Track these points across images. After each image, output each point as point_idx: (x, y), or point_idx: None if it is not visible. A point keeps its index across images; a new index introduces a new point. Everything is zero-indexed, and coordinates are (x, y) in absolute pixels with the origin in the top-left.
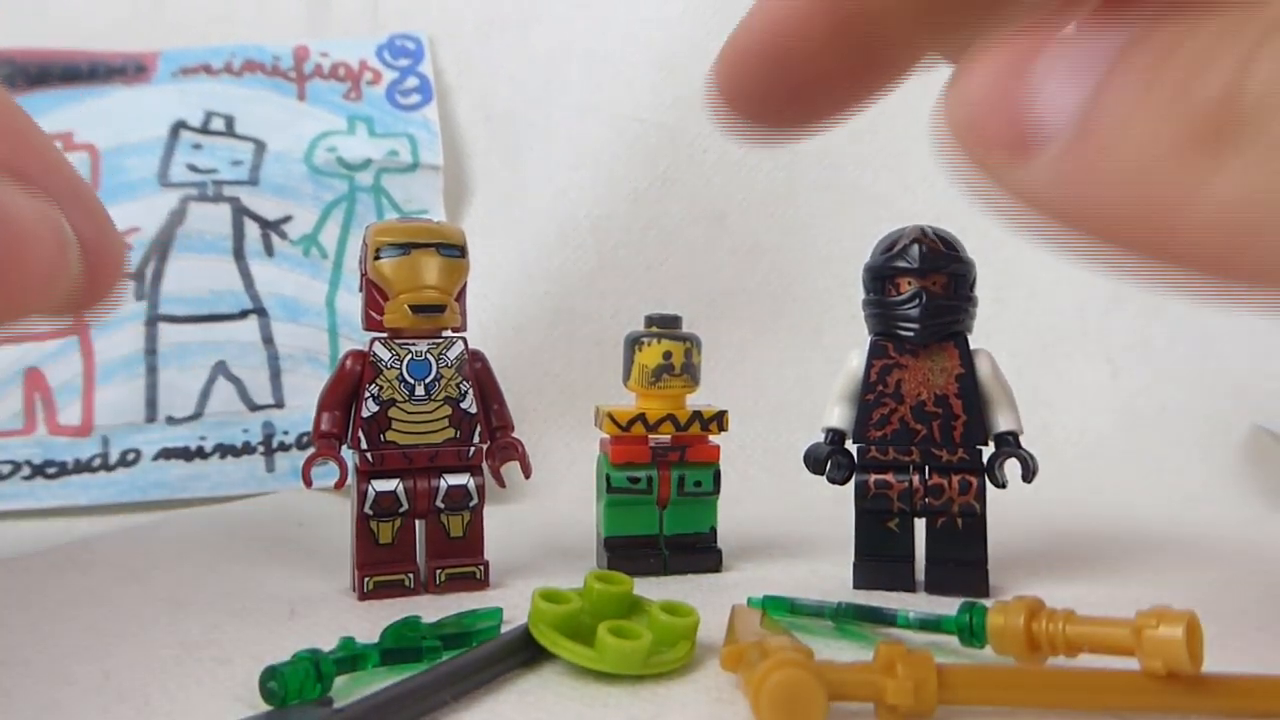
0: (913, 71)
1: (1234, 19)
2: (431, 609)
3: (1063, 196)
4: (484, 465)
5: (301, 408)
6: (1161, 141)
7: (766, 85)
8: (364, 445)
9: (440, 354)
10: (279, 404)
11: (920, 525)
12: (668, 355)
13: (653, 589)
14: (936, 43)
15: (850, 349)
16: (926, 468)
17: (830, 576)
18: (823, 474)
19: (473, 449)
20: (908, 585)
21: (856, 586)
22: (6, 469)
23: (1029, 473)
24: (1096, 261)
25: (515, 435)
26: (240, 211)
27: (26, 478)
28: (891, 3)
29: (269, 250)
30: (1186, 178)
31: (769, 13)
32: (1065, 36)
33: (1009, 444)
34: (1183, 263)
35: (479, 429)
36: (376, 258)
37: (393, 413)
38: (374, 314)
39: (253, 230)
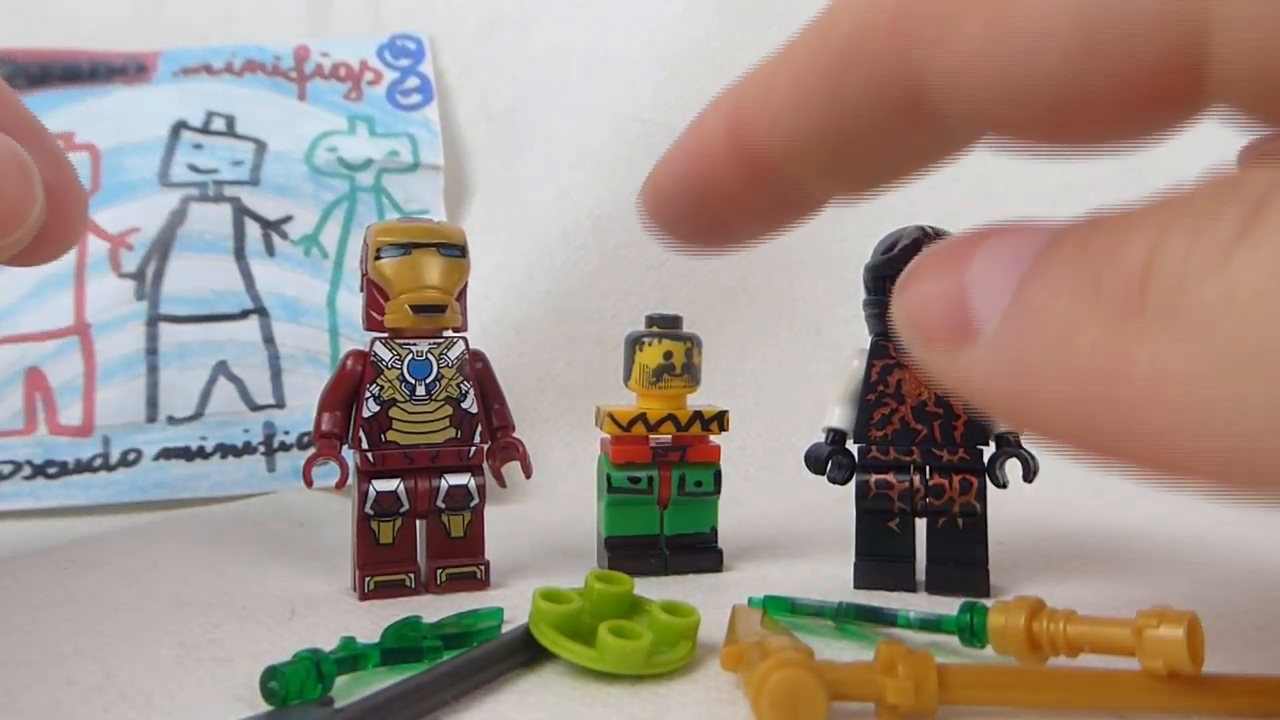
0: (827, 206)
1: (1140, 212)
2: (432, 609)
3: (995, 385)
4: (485, 465)
5: (302, 408)
6: (1083, 326)
7: (688, 216)
8: (365, 445)
9: (441, 354)
10: (280, 404)
11: (921, 525)
12: (668, 355)
13: (653, 589)
14: (840, 188)
15: (851, 349)
16: (927, 468)
17: (831, 576)
18: (823, 474)
19: (473, 449)
20: (908, 585)
21: (857, 586)
22: (7, 469)
23: (1030, 473)
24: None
25: (516, 435)
26: (241, 211)
27: (27, 477)
28: (793, 156)
29: (270, 250)
30: (1108, 360)
31: (686, 154)
32: (996, 239)
33: (1010, 444)
34: (1116, 452)
35: (480, 429)
36: (377, 258)
37: (393, 413)
38: (375, 314)
39: (253, 230)
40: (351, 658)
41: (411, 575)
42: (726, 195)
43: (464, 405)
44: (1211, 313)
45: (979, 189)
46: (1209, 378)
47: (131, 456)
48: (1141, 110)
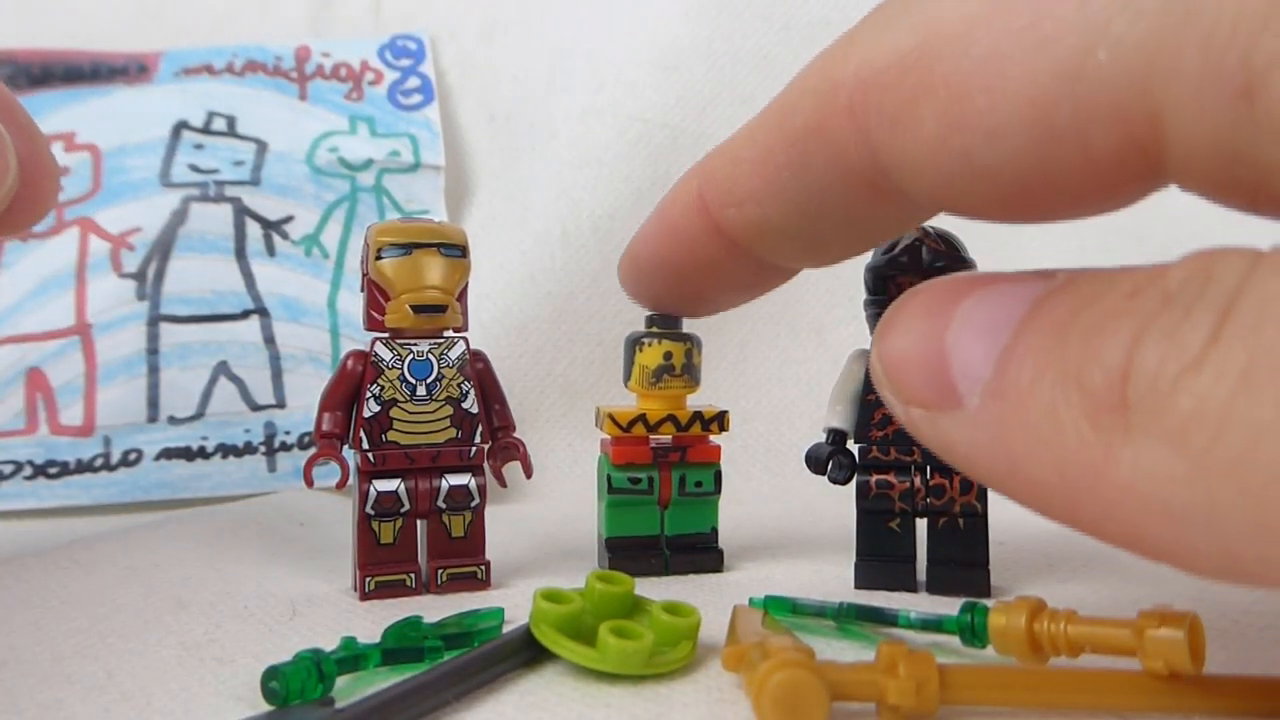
0: (795, 274)
1: (1114, 304)
2: (433, 609)
3: (978, 455)
4: (485, 465)
5: (303, 408)
6: (1064, 416)
7: (664, 287)
8: (365, 445)
9: (442, 354)
10: (280, 404)
11: (922, 525)
12: (668, 356)
13: (654, 589)
14: (809, 260)
15: (852, 349)
16: (928, 468)
17: (832, 576)
18: (824, 474)
19: (474, 449)
20: (909, 585)
21: (858, 586)
22: (8, 469)
23: None
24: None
25: (517, 435)
26: (242, 212)
27: (28, 478)
28: (762, 233)
29: (270, 250)
30: (1090, 455)
31: (659, 230)
32: (974, 296)
33: None
34: (1100, 534)
35: (480, 429)
36: (378, 258)
37: (394, 413)
38: (375, 314)
39: (254, 230)
40: (352, 658)
41: (412, 575)
42: (700, 268)
43: (465, 405)
44: (1187, 421)
45: None
46: (1188, 483)
47: (132, 456)
48: (1101, 192)
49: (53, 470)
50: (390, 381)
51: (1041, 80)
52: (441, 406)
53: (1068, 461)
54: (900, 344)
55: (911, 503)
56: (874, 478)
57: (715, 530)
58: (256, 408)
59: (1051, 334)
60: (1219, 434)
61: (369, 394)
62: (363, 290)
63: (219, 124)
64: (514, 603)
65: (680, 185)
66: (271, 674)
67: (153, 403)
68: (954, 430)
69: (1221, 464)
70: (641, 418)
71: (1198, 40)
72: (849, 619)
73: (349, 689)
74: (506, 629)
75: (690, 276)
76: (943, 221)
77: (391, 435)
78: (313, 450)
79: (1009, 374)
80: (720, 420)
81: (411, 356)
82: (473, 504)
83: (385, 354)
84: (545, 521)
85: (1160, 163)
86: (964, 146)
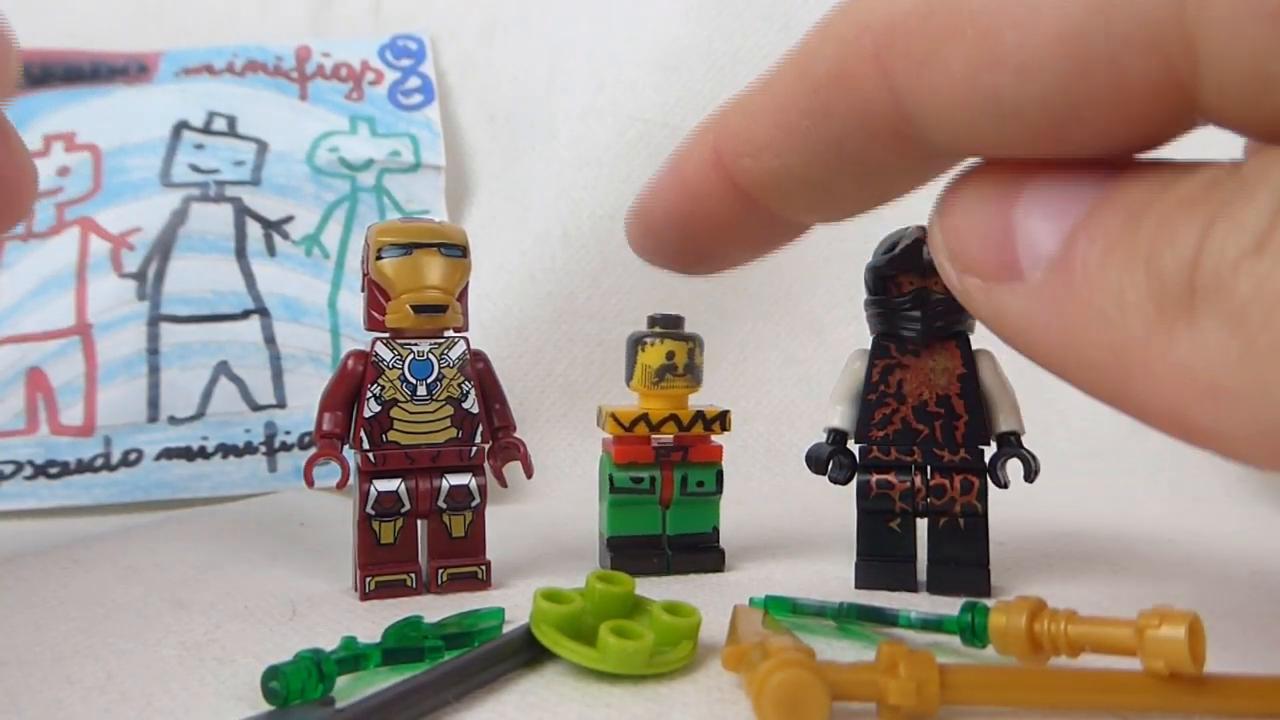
0: (807, 229)
1: (1191, 192)
2: (433, 609)
3: (1033, 329)
4: (486, 465)
5: (303, 408)
6: (1129, 298)
7: (674, 244)
8: (366, 445)
9: (442, 354)
10: (281, 404)
11: (922, 525)
12: (670, 355)
13: (655, 589)
14: (825, 214)
15: (852, 349)
16: (928, 468)
17: (832, 576)
18: (824, 474)
19: (475, 449)
20: (910, 585)
21: (858, 586)
22: (9, 469)
23: (1031, 473)
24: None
25: (517, 435)
26: (242, 211)
27: (29, 478)
28: (778, 186)
29: (271, 250)
30: (1150, 336)
31: (671, 183)
32: (1044, 178)
33: (1011, 444)
34: (1143, 414)
35: (481, 429)
36: (378, 258)
37: (395, 413)
38: (376, 314)
39: (255, 230)
40: (353, 658)
41: (413, 575)
42: (712, 223)
43: (465, 405)
44: (1245, 304)
45: None
46: (1239, 364)
47: (133, 456)
48: (1132, 129)
49: (53, 470)
50: (391, 381)
51: (1074, 12)
52: (442, 406)
53: (1127, 342)
54: (964, 214)
55: (912, 503)
56: (874, 477)
57: (716, 530)
58: (257, 408)
59: (1125, 216)
60: (1272, 316)
61: (369, 394)
62: (363, 290)
63: (219, 124)
64: (514, 603)
65: (694, 137)
66: (272, 674)
67: (153, 403)
68: (1011, 302)
69: (1273, 346)
70: (644, 417)
71: None
72: (849, 619)
73: (349, 689)
74: (507, 629)
75: (701, 232)
76: None
77: (392, 435)
78: (313, 450)
79: (1077, 251)
80: (722, 420)
81: (412, 356)
82: (473, 504)
83: (386, 354)
84: (546, 521)
85: (1195, 94)
86: (993, 85)
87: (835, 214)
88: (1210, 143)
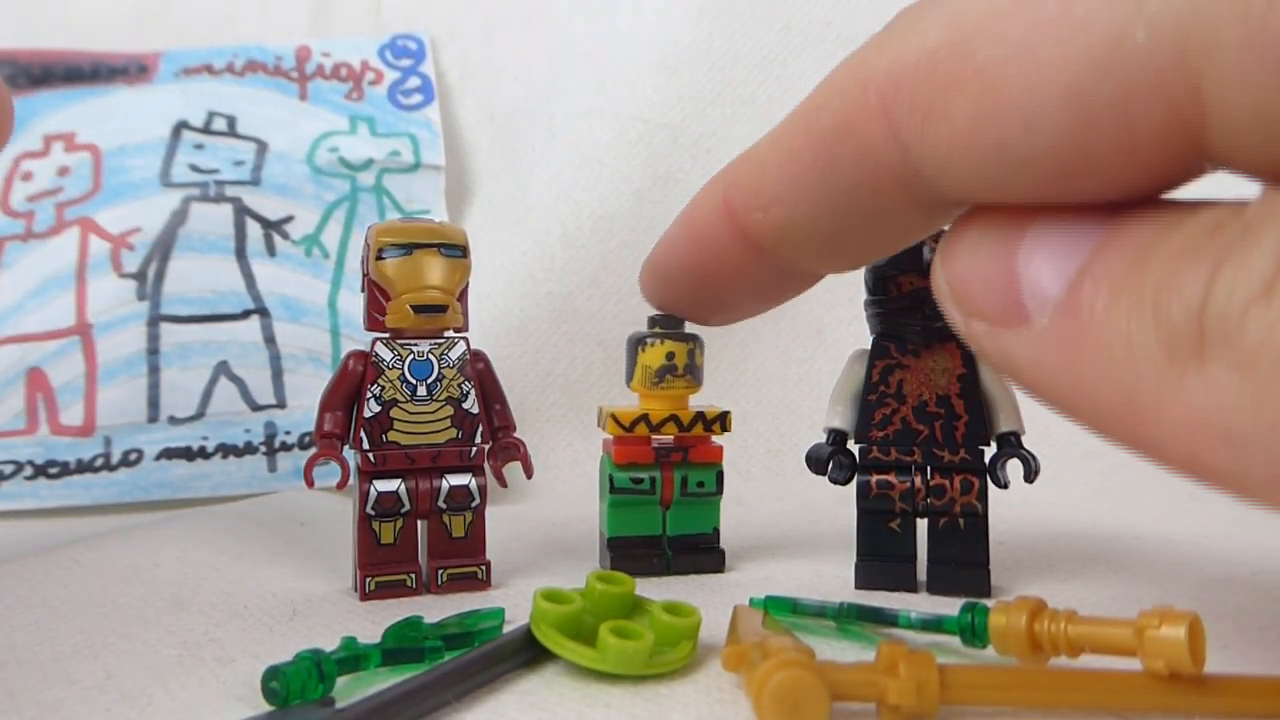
0: (819, 279)
1: (1196, 236)
2: (433, 609)
3: (1042, 372)
4: (486, 465)
5: (303, 408)
6: (1137, 341)
7: (687, 294)
8: (366, 445)
9: (442, 354)
10: (281, 404)
11: (922, 525)
12: (671, 356)
13: (655, 589)
14: (836, 264)
15: (852, 349)
16: (928, 468)
17: (832, 577)
18: (824, 474)
19: (475, 449)
20: (910, 585)
21: (858, 587)
22: (9, 469)
23: (1031, 473)
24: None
25: (517, 435)
26: (242, 211)
27: (29, 478)
28: (789, 237)
29: (271, 250)
30: (1161, 380)
31: (683, 236)
32: (1046, 219)
33: (1011, 444)
34: (1157, 457)
35: (481, 429)
36: (379, 258)
37: (395, 413)
38: (376, 314)
39: (255, 230)
40: (353, 658)
41: (413, 575)
42: (725, 274)
43: (465, 405)
44: (1254, 349)
45: None
46: (1251, 410)
47: (133, 456)
48: (1141, 176)
49: (53, 470)
50: (391, 381)
51: (1078, 64)
52: (442, 407)
53: (1137, 386)
54: (967, 259)
55: (912, 503)
56: (874, 478)
57: (717, 530)
58: (257, 408)
59: (1130, 260)
60: None
61: (369, 394)
62: (363, 290)
63: (219, 124)
64: (514, 603)
65: (705, 190)
66: (272, 674)
67: (153, 403)
68: (1018, 347)
69: None
70: (644, 417)
71: (1237, 13)
72: (849, 619)
73: (349, 689)
74: (507, 629)
75: (714, 282)
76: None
77: (392, 435)
78: (313, 450)
79: (1083, 295)
80: (722, 421)
81: (412, 357)
82: (473, 504)
83: (386, 354)
84: (546, 521)
85: (1202, 140)
86: (1000, 136)
87: (845, 264)
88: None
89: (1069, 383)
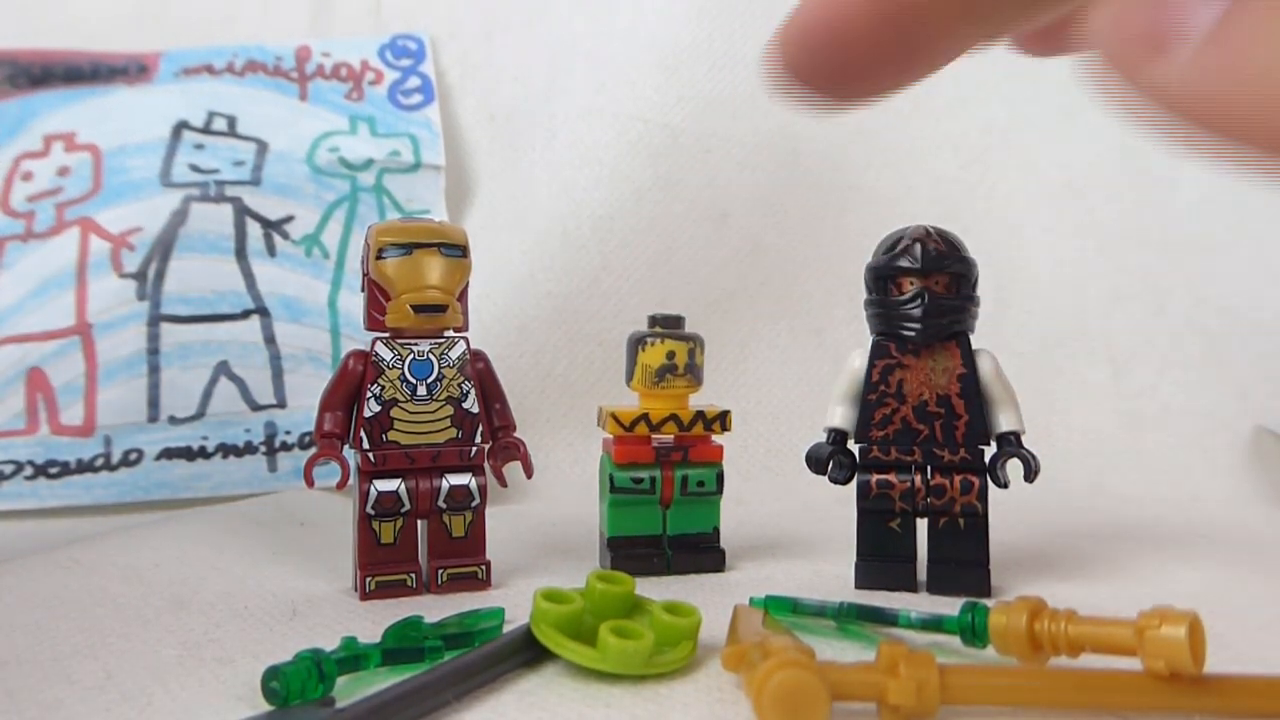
0: (959, 56)
1: None
2: (433, 609)
3: (1196, 94)
4: (486, 465)
5: (303, 407)
6: None
7: (818, 66)
8: (366, 445)
9: (442, 354)
10: (281, 404)
11: (922, 525)
12: (671, 355)
13: (655, 589)
14: (980, 33)
15: (853, 349)
16: (929, 468)
17: (832, 576)
18: (825, 474)
19: (475, 449)
20: (910, 585)
21: (858, 586)
22: (9, 469)
23: (1031, 473)
24: (1224, 161)
25: (517, 435)
26: (242, 211)
27: (29, 478)
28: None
29: (271, 250)
30: None
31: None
32: None
33: (1011, 444)
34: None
35: (481, 429)
36: (379, 257)
37: (395, 412)
38: (376, 314)
39: (255, 230)
40: (353, 658)
41: (413, 575)
42: (859, 45)
43: (465, 405)
44: None
45: (980, 189)
46: None
47: (133, 456)
48: None
49: (53, 470)
50: (391, 381)
51: None
52: (442, 406)
53: None
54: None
55: (912, 502)
56: (874, 477)
57: (717, 530)
58: (257, 407)
59: None
60: None
61: (369, 394)
62: (363, 290)
63: (219, 124)
64: (514, 603)
65: None
66: (272, 674)
67: (153, 402)
68: (1171, 74)
69: None
70: (644, 417)
71: None
72: (849, 619)
73: (349, 689)
74: (507, 629)
75: (847, 50)
76: (943, 222)
77: (392, 435)
78: (313, 450)
79: (1238, 15)
80: (722, 420)
81: (412, 356)
82: (473, 504)
83: (386, 354)
84: (546, 521)
85: None
86: None
87: (982, 32)
88: None
89: (1222, 99)
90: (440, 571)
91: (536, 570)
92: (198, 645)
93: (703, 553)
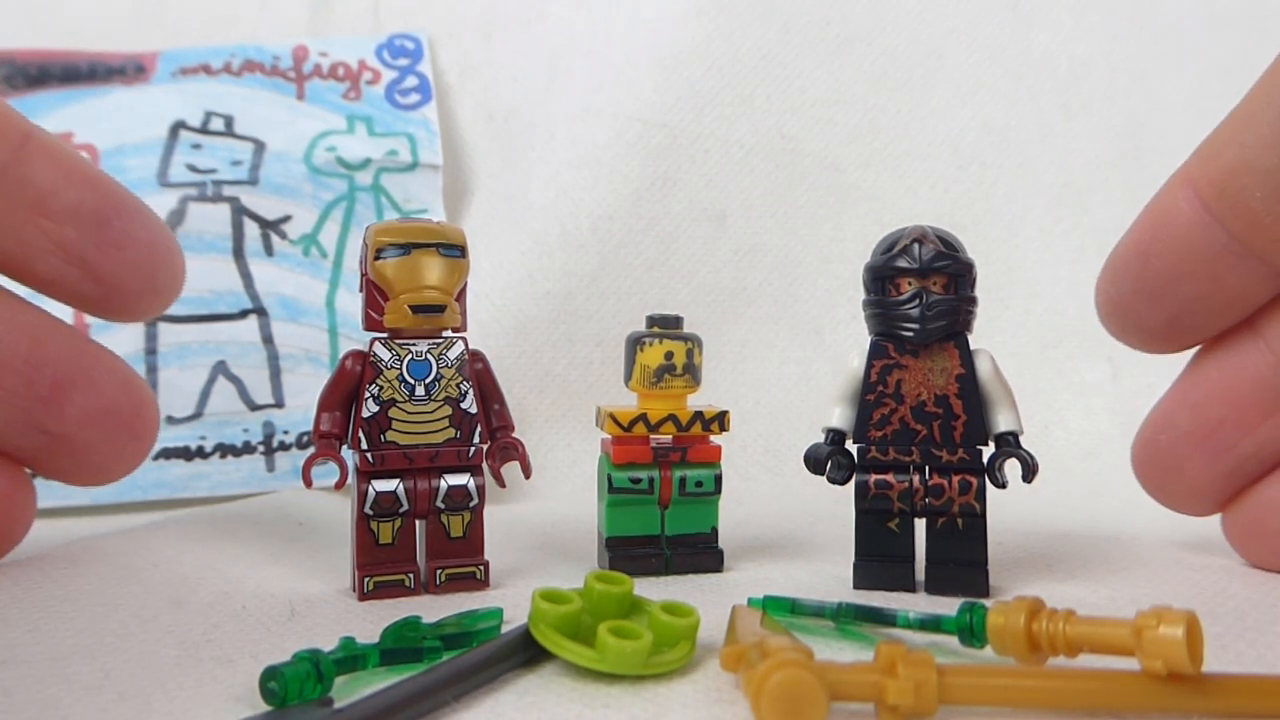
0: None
1: None
2: (432, 609)
3: None
4: (484, 465)
5: (301, 407)
6: None
7: (1155, 303)
8: (364, 445)
9: (440, 354)
10: (279, 404)
11: (921, 525)
12: (669, 355)
13: (653, 589)
14: None
15: (851, 349)
16: (927, 468)
17: (831, 577)
18: (823, 474)
19: (473, 449)
20: (908, 585)
21: (857, 587)
22: None
23: (1029, 473)
24: None
25: (516, 435)
26: (240, 211)
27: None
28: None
29: (269, 250)
30: None
31: (1148, 231)
32: None
33: (1009, 444)
34: None
35: (479, 429)
36: (377, 258)
37: (393, 413)
38: (374, 314)
39: (252, 230)
40: (351, 658)
41: (411, 575)
42: (1197, 272)
43: (463, 405)
44: None
45: (978, 189)
46: None
47: None
48: None
49: None
50: (389, 381)
51: None
52: (440, 406)
53: None
54: None
55: (910, 503)
56: (873, 478)
57: (715, 530)
58: (255, 407)
59: None
60: None
61: (368, 394)
62: (361, 290)
63: (217, 124)
64: (513, 603)
65: (1166, 188)
66: (270, 674)
67: None
68: None
69: None
70: (642, 417)
71: None
72: (848, 619)
73: (347, 689)
74: (505, 629)
75: (1181, 284)
76: (942, 222)
77: (390, 435)
78: (311, 450)
79: None
80: (721, 420)
81: (410, 356)
82: (471, 504)
83: (384, 354)
84: (544, 522)
85: None
86: None
87: None
88: None
89: None
90: (438, 572)
91: (535, 570)
92: (196, 645)
93: (701, 553)
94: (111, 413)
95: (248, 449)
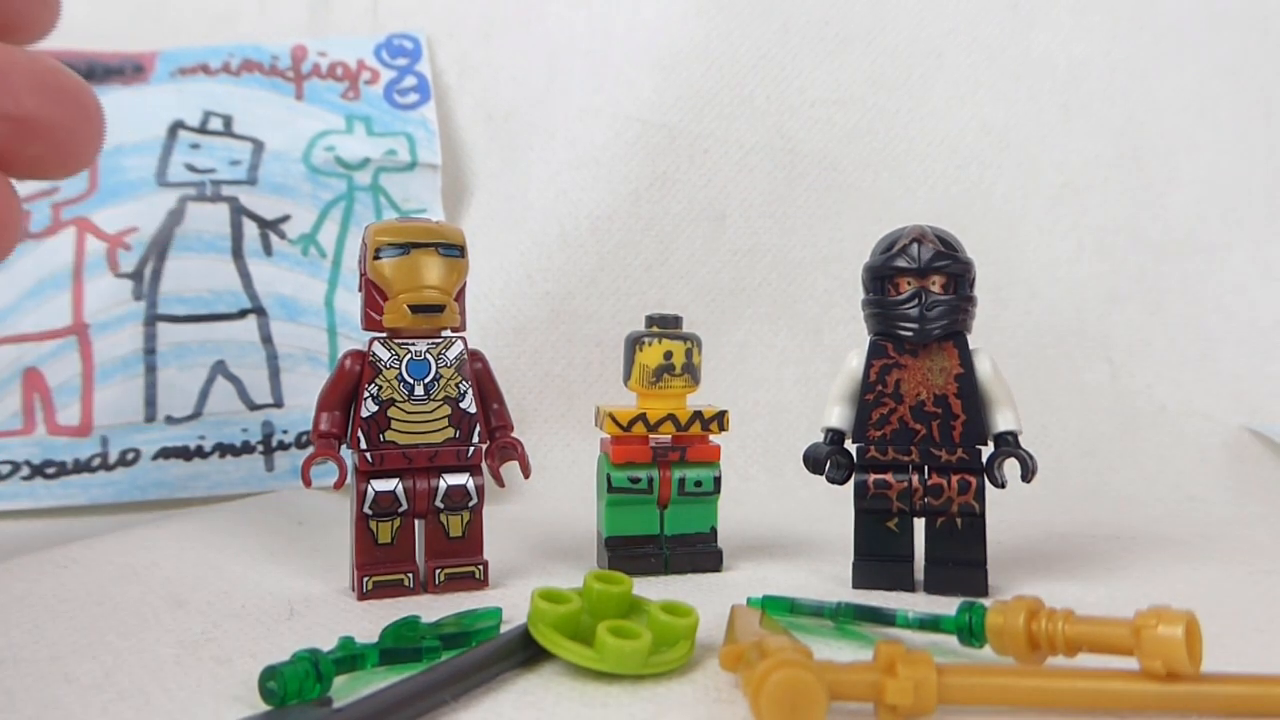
0: None
1: None
2: (431, 609)
3: None
4: (483, 465)
5: (301, 407)
6: None
7: None
8: (363, 445)
9: (439, 354)
10: (278, 403)
11: (920, 525)
12: (668, 355)
13: (653, 589)
14: None
15: (850, 349)
16: (926, 468)
17: (830, 576)
18: (822, 474)
19: (472, 449)
20: (907, 585)
21: (856, 586)
22: (6, 469)
23: (1028, 473)
24: None
25: (515, 435)
26: (238, 211)
27: (26, 478)
28: None
29: (267, 250)
30: None
31: None
32: None
33: (1008, 444)
34: None
35: (478, 429)
36: (376, 257)
37: (392, 412)
38: (373, 314)
39: (251, 230)
40: (350, 658)
41: (410, 575)
42: None
43: (462, 405)
44: None
45: (977, 189)
46: None
47: (130, 456)
48: None
49: (50, 470)
50: (388, 381)
51: None
52: (439, 406)
53: None
54: None
55: (909, 502)
56: (872, 477)
57: (714, 530)
58: (254, 407)
59: None
60: None
61: (367, 394)
62: (360, 290)
63: (215, 123)
64: (512, 603)
65: None
66: (269, 674)
67: (150, 402)
68: None
69: None
70: (641, 417)
71: None
72: (847, 619)
73: (347, 689)
74: (504, 629)
75: None
76: (941, 222)
77: (389, 435)
78: (310, 450)
79: None
80: (720, 420)
81: (409, 356)
82: (471, 504)
83: (383, 354)
84: (543, 521)
85: None
86: None
87: None
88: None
89: None
90: (438, 571)
91: (534, 570)
92: (195, 645)
93: (700, 553)
94: (61, 89)
95: (247, 449)
